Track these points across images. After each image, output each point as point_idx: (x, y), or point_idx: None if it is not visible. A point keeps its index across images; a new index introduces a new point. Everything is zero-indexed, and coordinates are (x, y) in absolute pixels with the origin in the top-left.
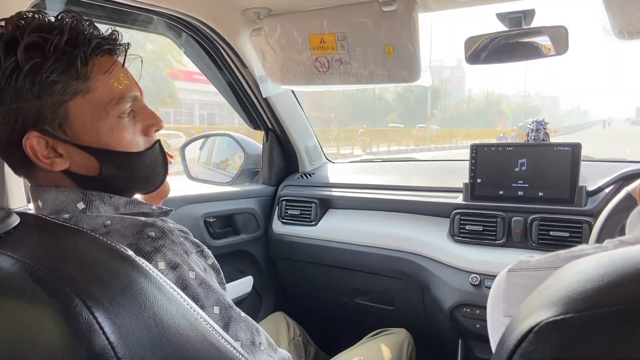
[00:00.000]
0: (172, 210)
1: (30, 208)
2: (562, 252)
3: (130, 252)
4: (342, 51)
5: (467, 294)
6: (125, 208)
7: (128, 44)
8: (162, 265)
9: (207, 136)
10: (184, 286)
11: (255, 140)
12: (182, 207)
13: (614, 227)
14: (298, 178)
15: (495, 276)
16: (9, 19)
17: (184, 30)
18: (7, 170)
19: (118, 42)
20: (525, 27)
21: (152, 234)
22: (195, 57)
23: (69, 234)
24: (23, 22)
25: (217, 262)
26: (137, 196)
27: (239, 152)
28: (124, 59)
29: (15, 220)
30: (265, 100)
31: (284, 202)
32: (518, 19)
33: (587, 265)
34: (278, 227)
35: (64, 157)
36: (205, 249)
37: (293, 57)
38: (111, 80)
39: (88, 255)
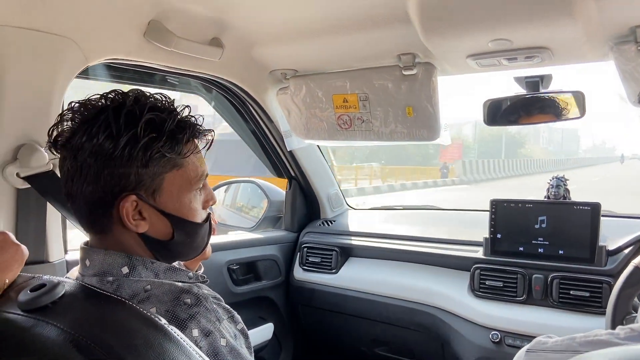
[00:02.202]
0: (207, 280)
1: (67, 259)
2: (578, 336)
3: (164, 321)
4: (364, 110)
5: (488, 351)
6: (164, 274)
7: (213, 130)
8: (196, 332)
9: (231, 183)
10: (215, 353)
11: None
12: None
13: (627, 302)
14: (320, 225)
15: (515, 334)
16: (125, 94)
17: (215, 89)
18: (48, 223)
19: (206, 129)
20: (543, 90)
21: (188, 300)
22: (224, 111)
23: (110, 304)
24: (138, 98)
25: (245, 328)
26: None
27: (263, 198)
28: (210, 144)
29: (61, 290)
30: (290, 151)
31: (305, 249)
32: (535, 83)
33: None
34: (299, 273)
35: (146, 221)
36: (236, 314)
37: (317, 115)
38: (198, 160)
39: (126, 326)
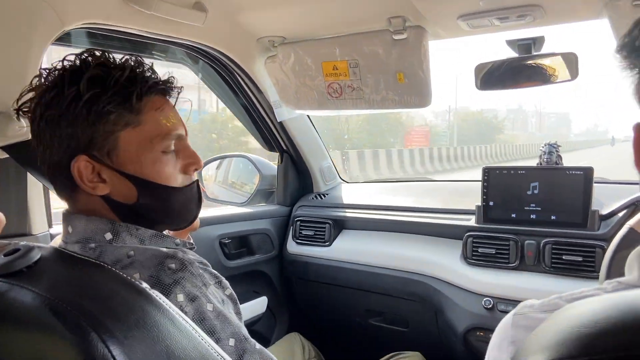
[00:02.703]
0: (194, 247)
1: (52, 232)
2: (565, 295)
3: (145, 285)
4: (354, 77)
5: (480, 317)
6: (150, 241)
7: (181, 87)
8: (181, 297)
9: (223, 157)
10: (202, 318)
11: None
12: (198, 229)
13: (622, 263)
14: (312, 198)
15: (508, 300)
16: (79, 54)
17: (201, 58)
18: (30, 196)
19: (172, 85)
20: (535, 53)
21: (173, 265)
22: (211, 83)
23: (88, 267)
24: (90, 57)
25: (234, 293)
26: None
27: (255, 173)
28: (176, 100)
29: (36, 255)
30: (280, 123)
31: (298, 223)
32: (527, 46)
33: (582, 309)
34: (292, 247)
35: (106, 183)
36: (224, 280)
37: (306, 83)
38: (160, 117)
39: (105, 290)
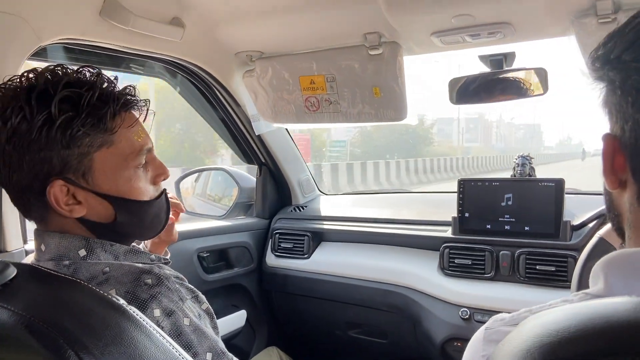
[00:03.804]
0: (170, 261)
1: (27, 249)
2: (534, 308)
3: (122, 302)
4: (331, 91)
5: (457, 327)
6: (124, 257)
7: (148, 100)
8: (157, 312)
9: (201, 170)
10: (179, 333)
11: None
12: (176, 243)
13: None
14: (291, 211)
15: (484, 310)
16: (40, 72)
17: (179, 73)
18: (4, 212)
19: (140, 100)
20: (506, 68)
21: (149, 281)
22: (189, 96)
23: (64, 285)
24: (52, 76)
25: (210, 307)
26: (145, 242)
27: (233, 186)
28: (146, 114)
29: (12, 272)
30: (258, 136)
31: (277, 235)
32: (499, 61)
33: (545, 319)
34: (271, 260)
35: (82, 205)
36: (200, 294)
37: (284, 97)
38: (132, 134)
39: (82, 307)
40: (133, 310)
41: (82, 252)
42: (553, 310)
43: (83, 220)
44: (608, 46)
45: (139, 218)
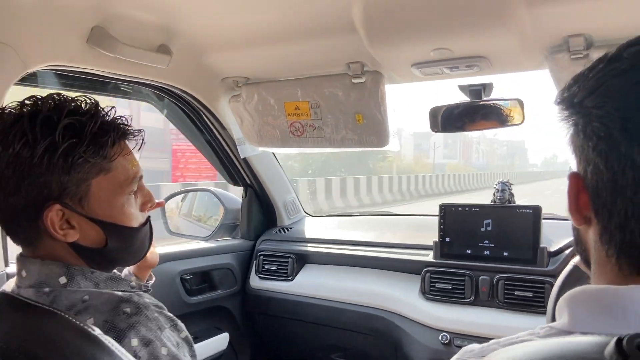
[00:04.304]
0: (150, 289)
1: (8, 272)
2: (502, 340)
3: (98, 332)
4: (316, 117)
5: (438, 352)
6: (105, 284)
7: (143, 130)
8: (135, 342)
9: (187, 191)
10: None
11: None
12: (158, 265)
13: None
14: (276, 232)
15: (464, 335)
16: (43, 100)
17: (166, 97)
18: None
19: (136, 129)
20: (485, 98)
21: (128, 309)
22: (176, 119)
23: (41, 315)
24: (54, 103)
25: (189, 336)
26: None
27: (219, 207)
28: (142, 144)
29: None
30: (244, 158)
31: (261, 257)
32: (478, 91)
33: (513, 354)
34: (255, 282)
35: (75, 230)
36: (179, 322)
37: (269, 122)
38: (127, 163)
39: (58, 337)
40: (109, 341)
41: (63, 280)
42: (520, 346)
43: (74, 245)
44: (572, 90)
45: (128, 244)
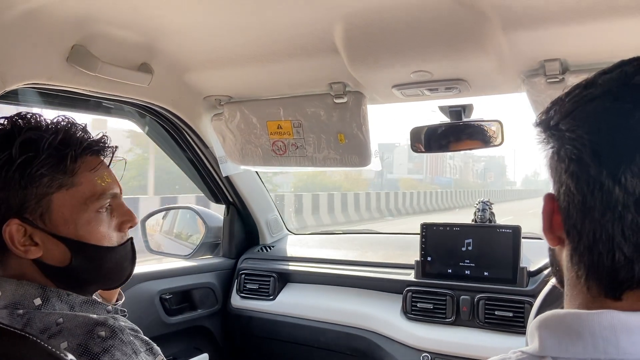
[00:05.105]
0: (126, 313)
1: None
2: None
3: (70, 357)
4: (298, 137)
5: None
6: (80, 307)
7: (115, 147)
8: None
9: (168, 209)
10: None
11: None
12: (137, 285)
13: None
14: (258, 251)
15: (444, 355)
16: (9, 118)
17: (147, 115)
18: None
19: (107, 145)
20: (465, 119)
21: (103, 333)
22: (157, 138)
23: (12, 340)
24: (21, 120)
25: (165, 359)
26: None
27: (201, 225)
28: (111, 160)
29: None
30: (227, 176)
31: (243, 276)
32: (458, 112)
33: None
34: (237, 301)
35: (38, 246)
36: (155, 346)
37: (252, 141)
38: (95, 178)
39: None
40: None
41: (37, 301)
42: None
43: (39, 262)
44: (549, 113)
45: (97, 264)
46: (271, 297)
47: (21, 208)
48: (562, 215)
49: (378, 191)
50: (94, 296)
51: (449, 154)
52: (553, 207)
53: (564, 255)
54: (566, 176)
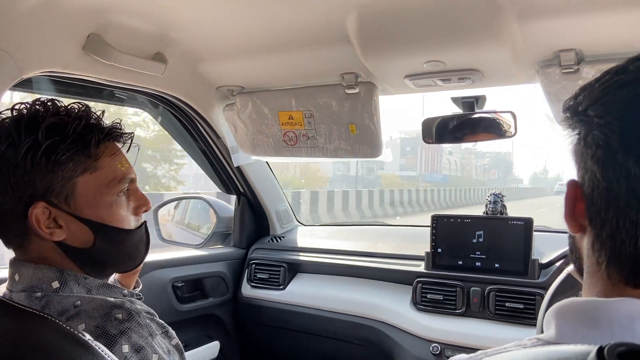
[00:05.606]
0: (142, 297)
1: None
2: (490, 351)
3: (88, 337)
4: (309, 127)
5: None
6: (97, 291)
7: (133, 133)
8: (126, 348)
9: (180, 199)
10: None
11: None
12: (150, 272)
13: None
14: (268, 241)
15: (455, 346)
16: (30, 104)
17: (160, 104)
18: None
19: (124, 131)
20: (477, 110)
21: (119, 315)
22: (170, 127)
23: (31, 320)
24: (42, 106)
25: (180, 343)
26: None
27: (212, 215)
28: (129, 146)
29: None
30: (238, 167)
31: (253, 266)
32: (471, 103)
33: None
34: (247, 290)
35: (62, 229)
36: (170, 330)
37: (263, 131)
38: (115, 162)
39: (48, 343)
40: (99, 346)
41: (55, 284)
42: (506, 355)
43: (62, 244)
44: (578, 99)
45: (118, 246)
46: (281, 287)
47: (47, 191)
48: (585, 202)
49: (346, 189)
50: (109, 281)
51: (448, 149)
52: (576, 193)
53: (585, 243)
54: (592, 162)
